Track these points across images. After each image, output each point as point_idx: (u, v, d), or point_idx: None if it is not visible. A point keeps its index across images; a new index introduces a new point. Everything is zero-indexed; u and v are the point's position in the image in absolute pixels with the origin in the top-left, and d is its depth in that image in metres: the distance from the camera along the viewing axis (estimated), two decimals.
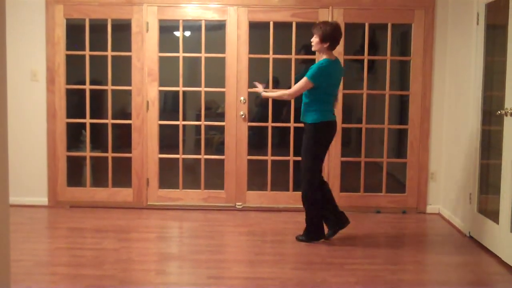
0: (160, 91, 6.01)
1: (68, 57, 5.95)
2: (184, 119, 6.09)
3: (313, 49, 4.81)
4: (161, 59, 5.95)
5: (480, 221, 4.90)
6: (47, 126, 5.96)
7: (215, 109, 7.40)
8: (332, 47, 4.71)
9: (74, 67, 6.06)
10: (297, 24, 5.87)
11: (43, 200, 6.03)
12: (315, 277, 4.08)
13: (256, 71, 6.10)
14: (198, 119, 6.25)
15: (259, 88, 5.07)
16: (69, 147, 6.08)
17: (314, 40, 4.72)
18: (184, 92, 6.06)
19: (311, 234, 4.87)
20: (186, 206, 6.02)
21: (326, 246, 4.78)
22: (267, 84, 5.15)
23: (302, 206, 5.86)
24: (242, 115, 5.93)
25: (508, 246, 4.27)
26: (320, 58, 4.80)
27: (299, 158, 6.04)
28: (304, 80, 4.66)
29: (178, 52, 5.95)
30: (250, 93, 5.98)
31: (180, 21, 5.92)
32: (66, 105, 5.96)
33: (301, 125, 6.04)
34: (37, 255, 4.44)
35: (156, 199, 6.04)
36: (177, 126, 6.05)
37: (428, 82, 5.87)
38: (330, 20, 5.73)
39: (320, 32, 4.66)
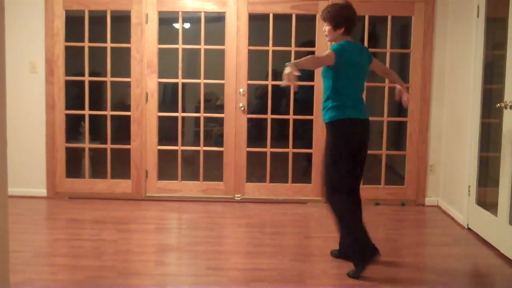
0: (159, 83, 6.00)
1: (67, 48, 5.94)
2: (183, 111, 6.09)
3: (328, 40, 4.06)
4: (161, 50, 5.94)
5: (478, 214, 4.91)
6: (46, 117, 5.95)
7: (214, 101, 7.41)
8: (349, 31, 3.95)
9: (73, 58, 6.06)
10: (297, 16, 5.86)
11: (42, 191, 6.03)
12: (314, 268, 4.09)
13: (256, 63, 6.09)
14: (197, 111, 6.24)
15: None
16: (68, 139, 6.07)
17: (327, 28, 3.97)
18: (183, 84, 6.06)
19: (360, 254, 3.89)
20: (185, 198, 6.03)
21: (325, 238, 4.78)
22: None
23: (301, 197, 5.90)
24: (242, 107, 5.92)
25: (507, 239, 4.28)
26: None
27: (298, 150, 6.08)
28: (327, 52, 3.83)
29: (177, 44, 5.94)
30: (249, 85, 5.98)
31: (180, 13, 5.90)
32: (65, 97, 5.96)
33: (301, 117, 6.08)
34: (36, 246, 4.45)
35: (155, 190, 6.05)
36: (176, 118, 6.05)
37: (427, 74, 5.86)
38: None
39: (331, 17, 3.91)
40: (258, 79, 6.18)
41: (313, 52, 5.86)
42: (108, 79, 5.98)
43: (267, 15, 5.87)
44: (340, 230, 4.01)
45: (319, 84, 5.88)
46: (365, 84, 5.91)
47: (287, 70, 3.55)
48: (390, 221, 5.43)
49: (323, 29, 4.07)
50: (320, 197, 5.99)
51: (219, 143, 6.17)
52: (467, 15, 5.19)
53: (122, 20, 5.99)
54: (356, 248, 3.89)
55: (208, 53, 5.96)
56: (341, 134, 3.92)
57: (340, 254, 4.23)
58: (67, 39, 5.92)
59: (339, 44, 3.88)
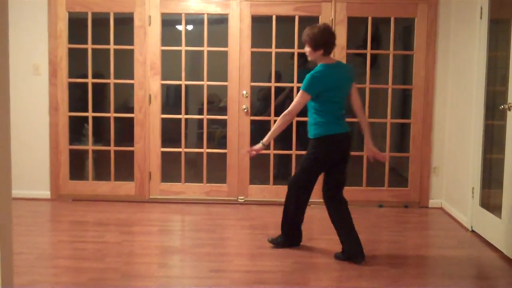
0: (163, 85, 6.00)
1: (71, 50, 5.95)
2: (186, 113, 6.09)
3: (309, 59, 4.38)
4: (164, 52, 5.94)
5: (482, 216, 4.90)
6: (49, 119, 5.96)
7: (217, 103, 7.40)
8: (327, 52, 4.24)
9: (76, 60, 6.06)
10: (300, 18, 5.86)
11: (46, 193, 6.04)
12: (317, 270, 4.09)
13: (259, 65, 6.09)
14: (201, 113, 6.24)
15: (257, 147, 4.41)
16: (72, 141, 6.08)
17: (307, 50, 4.27)
18: (186, 86, 6.06)
19: (287, 235, 4.57)
20: (188, 200, 6.03)
21: (327, 240, 4.78)
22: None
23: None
24: (245, 109, 5.92)
25: (511, 241, 4.26)
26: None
27: (301, 152, 6.06)
28: (299, 93, 4.23)
29: (180, 45, 5.94)
30: (252, 87, 5.98)
31: (183, 15, 5.91)
32: (68, 99, 5.96)
33: (303, 119, 6.06)
34: (40, 248, 4.45)
35: (158, 192, 6.05)
36: (179, 120, 6.05)
37: (431, 76, 5.85)
38: (333, 14, 5.74)
39: (310, 40, 4.21)
40: (261, 81, 6.18)
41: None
42: (111, 81, 5.99)
43: (270, 17, 5.87)
44: (284, 212, 4.54)
45: None
46: (369, 86, 5.97)
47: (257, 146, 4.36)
48: (393, 223, 5.42)
49: (304, 50, 4.33)
50: (322, 199, 5.98)
51: (222, 145, 6.17)
52: (470, 16, 5.19)
53: (125, 22, 6.00)
54: (288, 228, 4.55)
55: (211, 55, 5.97)
56: (324, 149, 4.30)
57: (343, 256, 4.23)
58: (70, 41, 5.93)
59: (310, 75, 4.18)
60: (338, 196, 4.47)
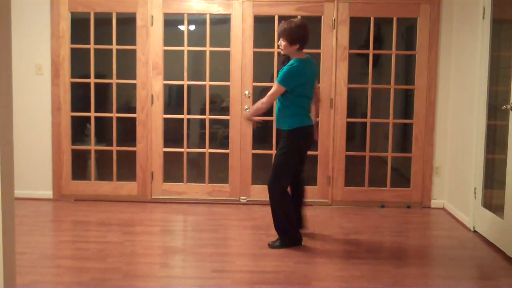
0: (165, 85, 6.01)
1: (73, 50, 5.96)
2: (188, 113, 6.09)
3: (282, 53, 4.54)
4: (166, 52, 5.94)
5: (485, 216, 4.89)
6: (52, 119, 5.97)
7: (220, 103, 7.40)
8: (302, 47, 4.42)
9: (79, 60, 6.07)
10: (302, 18, 5.84)
11: (48, 193, 6.04)
12: (319, 271, 4.09)
13: (261, 65, 6.09)
14: (203, 113, 6.24)
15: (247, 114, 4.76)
16: (74, 141, 6.08)
17: (282, 43, 4.41)
18: (188, 86, 6.06)
19: (284, 239, 4.58)
20: (190, 200, 6.03)
21: (330, 241, 4.78)
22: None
23: (307, 200, 5.87)
24: (247, 109, 5.92)
25: None
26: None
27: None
28: (275, 85, 4.39)
29: (182, 46, 5.95)
30: (254, 87, 5.97)
31: (185, 15, 5.91)
32: (71, 99, 5.97)
33: None
34: (42, 248, 4.46)
35: (160, 192, 6.05)
36: (182, 120, 6.06)
37: (433, 76, 5.85)
38: (336, 14, 5.75)
39: (287, 34, 4.35)
40: (263, 81, 6.17)
41: (318, 54, 5.86)
42: (114, 81, 5.99)
43: (273, 17, 5.87)
44: (273, 214, 4.56)
45: (324, 87, 5.87)
46: (371, 86, 5.97)
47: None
48: (395, 224, 5.42)
49: (278, 43, 4.50)
50: (325, 199, 5.99)
51: (225, 145, 6.17)
52: (473, 16, 5.18)
53: (127, 22, 6.00)
54: (286, 230, 4.54)
55: (214, 55, 5.97)
56: (298, 140, 4.48)
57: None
58: (73, 41, 5.93)
59: (287, 69, 4.36)
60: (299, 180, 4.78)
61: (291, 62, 4.44)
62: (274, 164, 4.54)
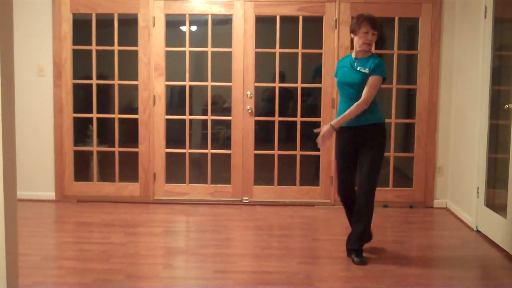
0: (167, 86, 6.01)
1: (75, 52, 5.96)
2: (190, 114, 6.09)
3: (368, 49, 4.21)
4: (168, 53, 5.95)
5: (487, 216, 4.88)
6: (54, 121, 5.97)
7: (222, 103, 7.40)
8: None
9: (81, 62, 6.07)
10: (304, 18, 5.85)
11: (51, 194, 6.05)
12: (322, 271, 4.08)
13: (263, 65, 6.09)
14: (205, 113, 6.24)
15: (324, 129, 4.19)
16: (76, 142, 6.08)
17: (375, 37, 4.20)
18: (190, 86, 6.06)
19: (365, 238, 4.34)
20: (192, 201, 6.03)
21: (333, 241, 4.77)
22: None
23: (308, 200, 5.91)
24: (249, 109, 5.92)
25: None
26: (367, 53, 4.23)
27: (305, 153, 6.07)
28: (377, 80, 4.08)
29: (184, 46, 5.95)
30: (256, 88, 5.97)
31: (187, 16, 5.91)
32: (73, 100, 5.97)
33: (308, 119, 6.07)
34: (45, 249, 4.46)
35: (162, 193, 6.05)
36: (184, 120, 6.06)
37: (435, 76, 5.84)
38: (337, 14, 5.75)
39: (377, 26, 4.18)
40: (265, 81, 6.18)
41: (320, 54, 5.85)
42: (116, 82, 6.00)
43: (274, 17, 5.87)
44: (366, 222, 4.22)
45: (327, 87, 5.87)
46: None
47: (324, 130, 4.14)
48: (398, 224, 5.41)
49: (368, 39, 4.16)
50: (328, 199, 5.98)
51: (227, 145, 6.17)
52: (475, 16, 5.17)
53: (129, 23, 6.01)
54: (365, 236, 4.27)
55: (215, 55, 5.97)
56: (385, 135, 4.26)
57: None
58: (75, 42, 5.94)
59: (382, 62, 4.14)
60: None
61: (375, 57, 4.21)
62: (372, 166, 4.18)
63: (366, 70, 4.11)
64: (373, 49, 5.83)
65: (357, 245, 4.20)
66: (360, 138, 4.19)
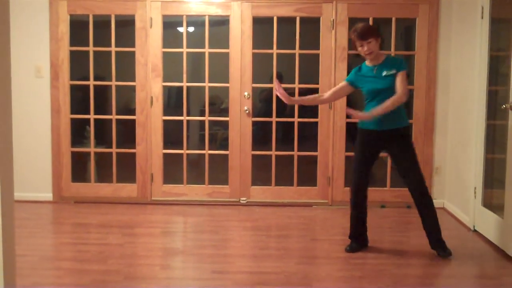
0: (164, 87, 6.01)
1: (72, 53, 5.96)
2: (188, 115, 6.09)
3: (371, 56, 4.23)
4: (165, 54, 5.95)
5: (485, 215, 4.89)
6: (51, 122, 5.97)
7: (219, 104, 7.40)
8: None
9: (78, 63, 6.07)
10: (301, 19, 5.86)
11: (48, 195, 6.04)
12: (320, 271, 4.09)
13: (260, 66, 6.09)
14: (202, 114, 6.24)
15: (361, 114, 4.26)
16: (74, 143, 6.08)
17: (372, 44, 4.18)
18: (188, 87, 6.06)
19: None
20: (190, 201, 6.03)
21: (330, 241, 4.78)
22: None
23: (306, 200, 5.91)
24: (246, 110, 5.92)
25: None
26: (379, 57, 4.28)
27: (303, 153, 6.07)
28: (404, 73, 4.18)
29: (181, 47, 5.95)
30: (254, 88, 5.98)
31: (184, 17, 5.91)
32: (70, 101, 5.97)
33: (305, 119, 6.08)
34: (42, 250, 4.45)
35: (160, 194, 6.05)
36: (181, 121, 6.06)
37: (432, 76, 5.85)
38: (334, 15, 5.77)
39: (377, 32, 4.22)
40: (262, 82, 6.18)
41: (317, 55, 5.86)
42: (113, 83, 5.99)
43: (271, 18, 5.87)
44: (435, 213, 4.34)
45: (324, 88, 5.87)
46: None
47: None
48: (396, 224, 5.42)
49: (366, 51, 4.21)
50: (325, 200, 5.99)
51: (224, 146, 6.17)
52: (472, 16, 5.18)
53: (126, 24, 6.01)
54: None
55: (213, 56, 5.97)
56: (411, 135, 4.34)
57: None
58: (72, 43, 5.93)
59: (398, 59, 4.28)
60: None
61: (389, 57, 4.35)
62: (415, 164, 4.31)
63: (393, 71, 4.19)
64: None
65: (440, 236, 4.35)
66: (389, 142, 4.31)
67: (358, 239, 4.49)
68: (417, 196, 4.34)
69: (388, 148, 4.38)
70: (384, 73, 4.21)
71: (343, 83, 4.50)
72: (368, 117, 4.20)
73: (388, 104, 4.12)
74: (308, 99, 4.66)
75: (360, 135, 4.40)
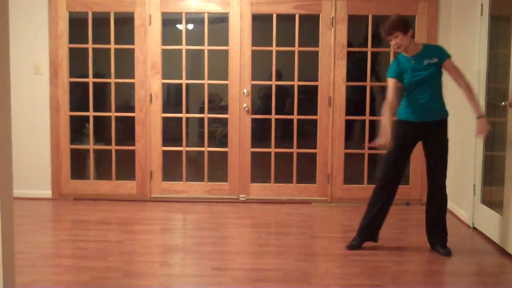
0: (163, 84, 6.00)
1: (71, 50, 5.95)
2: (187, 112, 6.10)
3: (401, 49, 4.19)
4: (164, 52, 5.94)
5: (484, 213, 4.90)
6: (50, 119, 5.97)
7: (218, 101, 7.40)
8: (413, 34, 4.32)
9: (77, 60, 6.06)
10: (300, 16, 5.85)
11: (47, 192, 6.04)
12: (319, 268, 4.09)
13: (259, 63, 6.09)
14: (201, 111, 6.24)
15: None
16: (73, 140, 6.08)
17: (398, 38, 4.12)
18: (187, 84, 6.06)
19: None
20: (189, 199, 6.03)
21: (329, 238, 4.78)
22: None
23: (305, 198, 5.91)
24: (246, 107, 5.92)
25: None
26: (409, 47, 4.21)
27: (302, 150, 6.07)
28: (451, 59, 4.23)
29: (181, 44, 5.95)
30: (253, 86, 5.98)
31: (183, 14, 5.91)
32: (69, 98, 5.97)
33: (304, 117, 6.08)
34: (41, 248, 4.46)
35: (159, 191, 6.05)
36: (180, 118, 6.05)
37: None
38: (334, 12, 5.76)
39: (400, 25, 4.12)
40: (262, 79, 6.18)
41: (316, 52, 5.86)
42: (112, 80, 5.99)
43: (271, 15, 5.87)
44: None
45: (323, 85, 5.87)
46: (370, 84, 5.99)
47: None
48: (394, 221, 5.42)
49: (394, 45, 4.19)
50: (324, 197, 5.99)
51: (224, 143, 6.17)
52: (471, 13, 5.18)
53: (125, 22, 6.00)
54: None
55: (212, 53, 5.97)
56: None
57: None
58: (71, 40, 5.93)
59: (436, 46, 4.38)
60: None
61: (426, 45, 4.31)
62: (444, 164, 4.36)
63: (435, 60, 4.18)
64: (369, 47, 5.89)
65: (446, 234, 4.41)
66: (428, 133, 4.30)
67: (368, 236, 4.45)
68: (437, 191, 4.36)
69: (426, 139, 4.32)
70: (426, 62, 4.17)
71: (391, 80, 4.27)
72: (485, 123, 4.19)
73: (471, 95, 4.22)
74: (391, 115, 4.25)
75: (401, 127, 4.30)
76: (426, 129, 4.26)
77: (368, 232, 4.43)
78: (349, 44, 5.90)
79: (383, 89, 6.11)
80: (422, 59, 4.19)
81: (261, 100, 7.05)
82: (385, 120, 4.18)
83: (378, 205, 4.39)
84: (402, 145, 4.30)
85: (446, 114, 4.34)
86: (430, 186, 4.39)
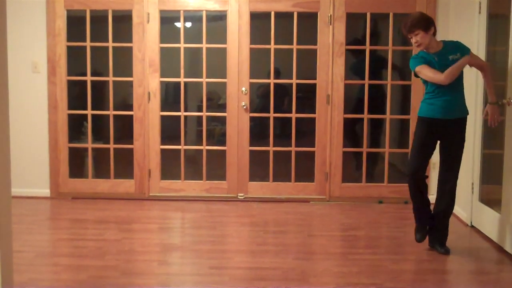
0: (162, 82, 6.00)
1: (69, 48, 5.94)
2: (185, 110, 6.09)
3: (422, 47, 4.18)
4: (162, 50, 5.93)
5: (482, 211, 4.90)
6: (48, 117, 5.96)
7: (217, 100, 7.39)
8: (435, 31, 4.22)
9: (75, 58, 6.05)
10: (299, 14, 5.85)
11: (45, 191, 6.03)
12: (317, 267, 4.09)
13: (258, 61, 6.08)
14: (200, 110, 6.24)
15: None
16: (71, 139, 6.07)
17: (419, 36, 4.11)
18: (185, 83, 6.06)
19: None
20: (188, 197, 6.03)
21: (328, 237, 4.78)
22: None
23: (304, 196, 5.91)
24: (244, 105, 5.92)
25: (510, 236, 4.27)
26: (430, 45, 4.18)
27: (300, 149, 6.07)
28: (472, 53, 4.24)
29: (179, 42, 5.94)
30: (251, 84, 5.97)
31: (181, 12, 5.90)
32: (67, 97, 5.96)
33: (302, 115, 6.08)
34: (40, 246, 4.45)
35: (158, 190, 6.04)
36: (179, 117, 6.05)
37: None
38: (332, 10, 5.76)
39: (422, 23, 4.10)
40: (260, 77, 6.18)
41: (315, 50, 5.86)
42: (110, 78, 5.98)
43: (269, 13, 5.86)
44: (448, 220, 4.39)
45: (322, 83, 5.87)
46: (368, 82, 5.99)
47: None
48: (393, 219, 5.43)
49: (415, 43, 4.18)
50: (322, 196, 5.99)
51: (222, 142, 6.16)
52: (469, 11, 5.18)
53: (123, 20, 5.99)
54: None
55: (210, 52, 5.96)
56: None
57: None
58: (69, 38, 5.92)
59: (457, 42, 4.25)
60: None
61: (447, 42, 4.27)
62: (460, 161, 4.30)
63: (458, 55, 4.13)
64: (367, 45, 5.89)
65: (446, 236, 4.38)
66: (450, 131, 4.22)
67: (426, 223, 4.43)
68: (446, 189, 4.28)
69: (445, 137, 4.25)
70: (451, 57, 4.12)
71: (424, 66, 4.17)
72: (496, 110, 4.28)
73: (489, 78, 4.26)
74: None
75: (423, 124, 4.24)
76: (448, 126, 4.20)
77: (423, 219, 4.42)
78: (356, 42, 5.88)
79: (383, 87, 6.12)
80: (446, 55, 4.14)
81: (259, 98, 7.05)
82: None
83: (417, 194, 4.35)
84: (425, 142, 4.26)
85: (467, 111, 4.31)
86: (443, 183, 4.30)
